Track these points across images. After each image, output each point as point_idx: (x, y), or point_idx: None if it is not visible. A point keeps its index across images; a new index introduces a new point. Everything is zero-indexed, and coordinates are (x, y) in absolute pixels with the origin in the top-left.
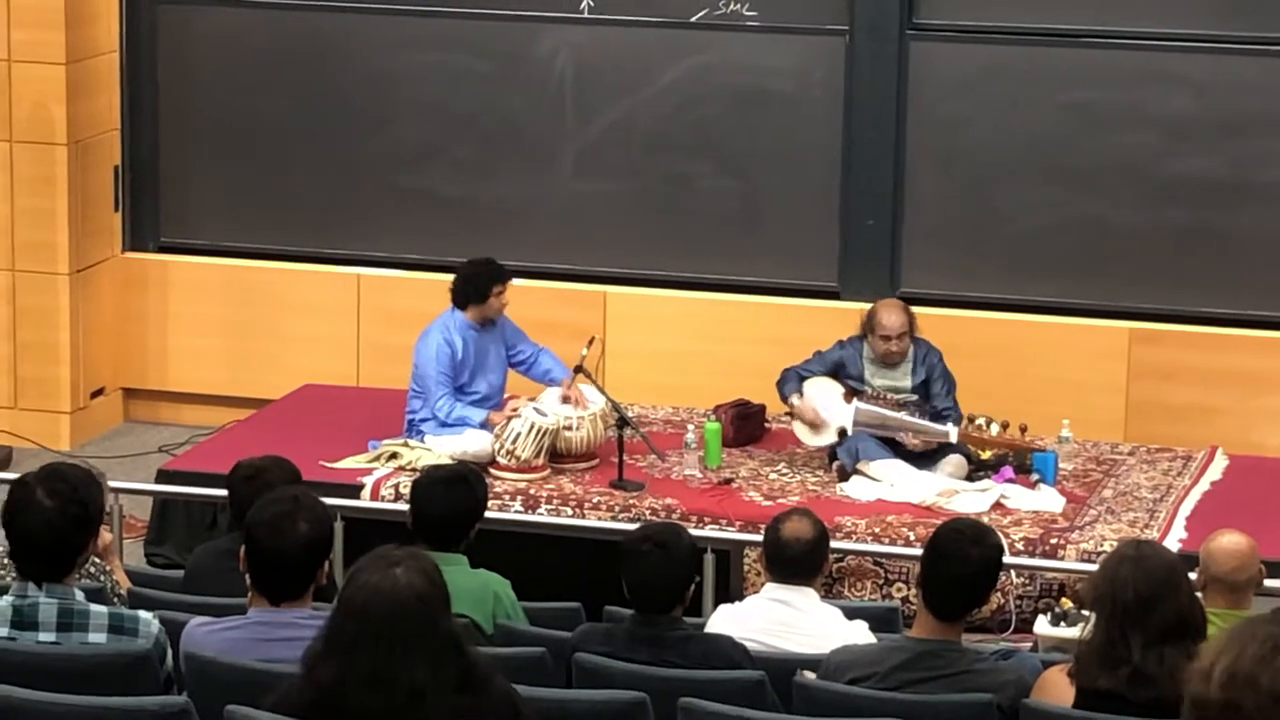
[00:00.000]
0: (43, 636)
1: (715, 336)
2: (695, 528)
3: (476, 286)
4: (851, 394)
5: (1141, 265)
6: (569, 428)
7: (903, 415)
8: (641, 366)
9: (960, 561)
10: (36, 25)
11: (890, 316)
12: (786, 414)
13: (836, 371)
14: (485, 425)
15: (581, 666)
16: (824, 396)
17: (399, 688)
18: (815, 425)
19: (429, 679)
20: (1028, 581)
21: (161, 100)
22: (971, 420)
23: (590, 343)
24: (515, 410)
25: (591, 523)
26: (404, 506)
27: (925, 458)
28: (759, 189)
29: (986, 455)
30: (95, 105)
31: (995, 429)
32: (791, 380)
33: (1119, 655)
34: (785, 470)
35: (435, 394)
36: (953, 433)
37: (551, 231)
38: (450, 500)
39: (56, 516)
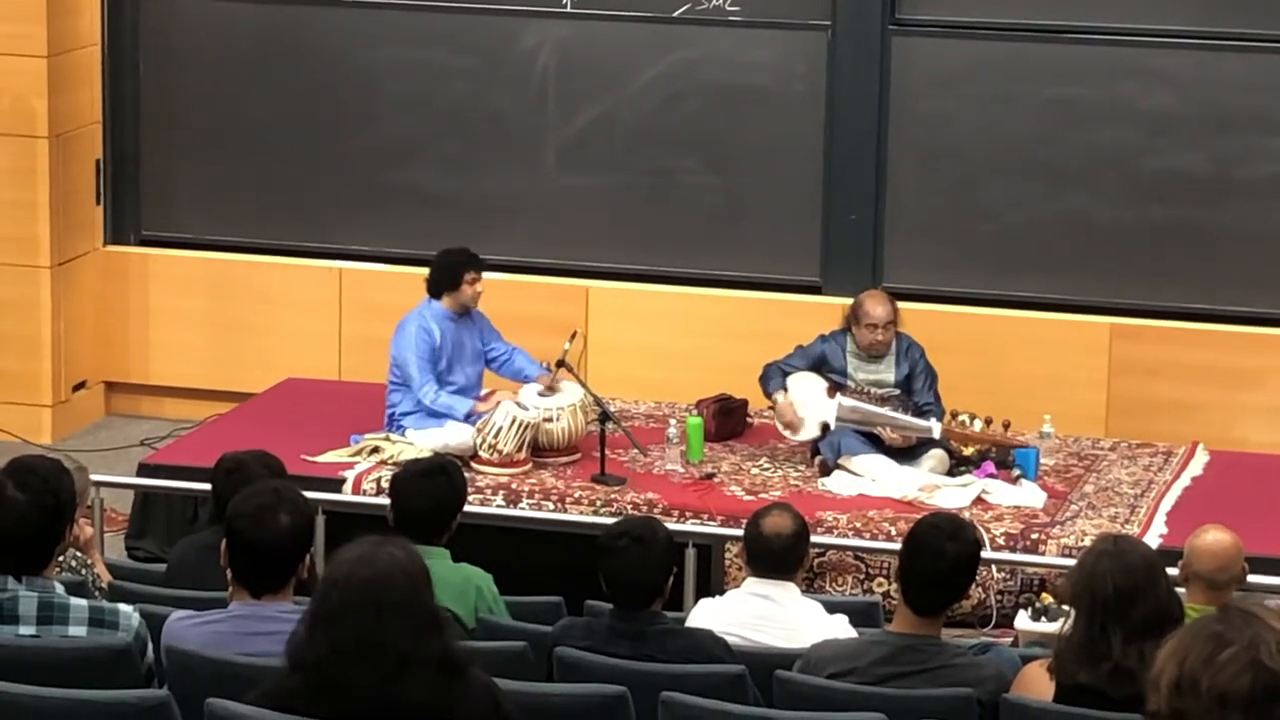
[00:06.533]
0: (22, 630)
1: (697, 331)
2: (677, 522)
3: (450, 274)
4: (834, 389)
5: (1123, 261)
6: (549, 420)
7: (886, 410)
8: (624, 361)
9: (937, 556)
10: (17, 18)
11: (876, 307)
12: (769, 408)
13: (819, 366)
14: (470, 416)
15: (562, 660)
16: (807, 392)
17: (387, 655)
18: (792, 426)
19: (413, 649)
20: (1008, 577)
21: (143, 94)
22: (955, 416)
23: (572, 337)
24: (498, 402)
25: (573, 517)
26: (385, 501)
27: (907, 453)
28: (741, 184)
29: (969, 451)
30: (77, 99)
31: (978, 425)
32: (774, 376)
33: (1100, 651)
34: (767, 465)
35: (420, 380)
36: (936, 428)
37: (534, 226)
38: (430, 493)
39: (30, 510)
